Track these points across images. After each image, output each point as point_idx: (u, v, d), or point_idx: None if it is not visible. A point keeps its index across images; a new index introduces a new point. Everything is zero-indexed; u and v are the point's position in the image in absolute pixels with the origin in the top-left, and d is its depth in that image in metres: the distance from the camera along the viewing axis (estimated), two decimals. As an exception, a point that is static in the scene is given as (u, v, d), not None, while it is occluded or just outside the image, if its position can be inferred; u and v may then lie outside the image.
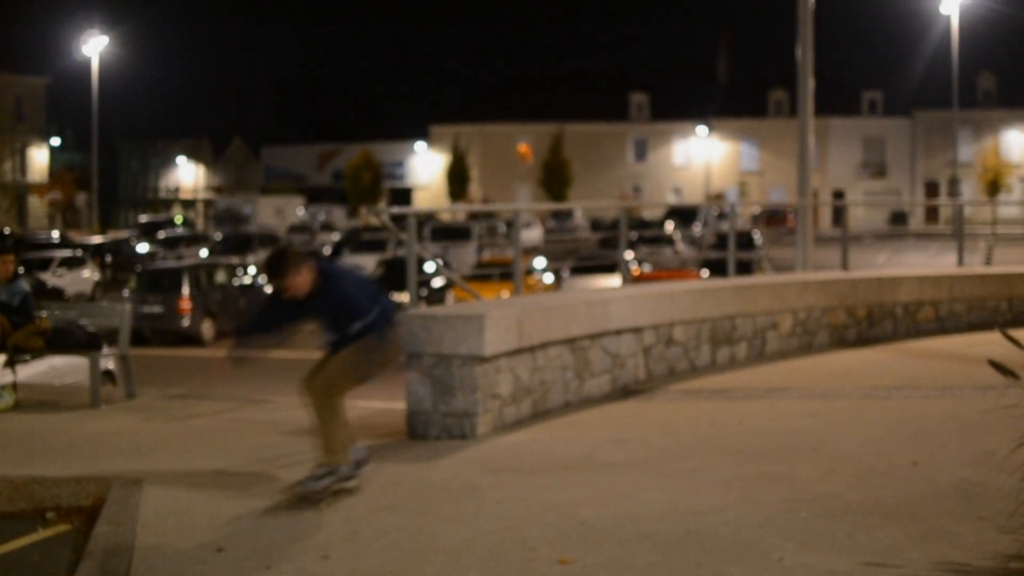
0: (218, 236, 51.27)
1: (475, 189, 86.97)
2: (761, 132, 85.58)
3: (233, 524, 6.40)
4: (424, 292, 27.06)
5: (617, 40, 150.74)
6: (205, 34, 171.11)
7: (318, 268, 6.85)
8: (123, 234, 60.48)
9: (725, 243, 19.11)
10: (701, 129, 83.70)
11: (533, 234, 52.81)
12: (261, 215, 68.97)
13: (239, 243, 45.34)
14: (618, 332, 10.54)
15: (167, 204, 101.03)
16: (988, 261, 28.04)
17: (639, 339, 10.91)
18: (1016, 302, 15.55)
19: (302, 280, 6.73)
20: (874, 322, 14.23)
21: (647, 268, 32.95)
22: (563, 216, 68.25)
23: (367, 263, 36.54)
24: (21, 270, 11.37)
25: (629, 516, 6.33)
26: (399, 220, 11.72)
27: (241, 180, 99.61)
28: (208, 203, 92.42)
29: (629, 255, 24.23)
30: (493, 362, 8.78)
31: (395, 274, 26.47)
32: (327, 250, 45.57)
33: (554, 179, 79.92)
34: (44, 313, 10.95)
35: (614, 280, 24.13)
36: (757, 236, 39.96)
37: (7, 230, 54.59)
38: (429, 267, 23.59)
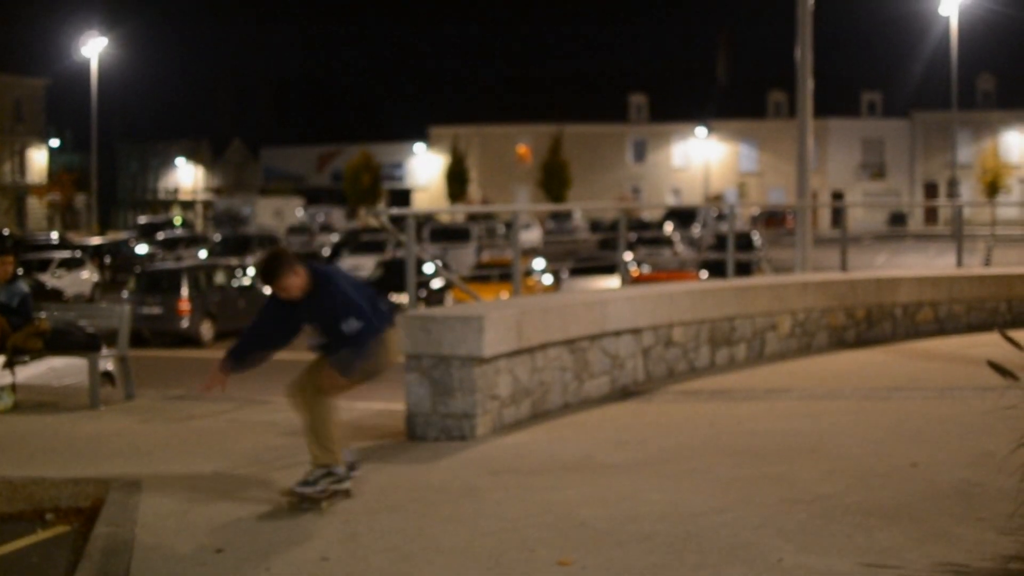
0: (217, 237, 51.28)
1: (474, 190, 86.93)
2: (760, 133, 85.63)
3: (232, 525, 6.40)
4: (423, 293, 27.08)
5: (617, 41, 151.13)
6: (204, 35, 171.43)
7: (312, 269, 6.83)
8: (122, 235, 60.53)
9: (724, 244, 19.11)
10: (700, 130, 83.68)
11: (532, 235, 52.79)
12: (260, 216, 68.90)
13: (238, 244, 45.35)
14: (617, 333, 10.54)
15: (166, 205, 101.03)
16: (987, 262, 28.06)
17: (638, 340, 10.91)
18: (1015, 303, 15.55)
19: (297, 281, 6.70)
20: (873, 323, 14.23)
21: (646, 269, 33.00)
22: (562, 217, 68.23)
23: (366, 264, 36.60)
24: (20, 271, 11.36)
25: (628, 517, 6.32)
26: (398, 221, 11.73)
27: (240, 181, 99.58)
28: (207, 204, 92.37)
29: (628, 256, 24.25)
30: (492, 363, 8.78)
31: (394, 275, 26.51)
32: (326, 251, 45.58)
33: (553, 180, 79.91)
34: (43, 314, 10.92)
35: (613, 281, 24.14)
36: (756, 237, 39.97)
37: (6, 231, 54.55)
38: (428, 268, 23.63)
